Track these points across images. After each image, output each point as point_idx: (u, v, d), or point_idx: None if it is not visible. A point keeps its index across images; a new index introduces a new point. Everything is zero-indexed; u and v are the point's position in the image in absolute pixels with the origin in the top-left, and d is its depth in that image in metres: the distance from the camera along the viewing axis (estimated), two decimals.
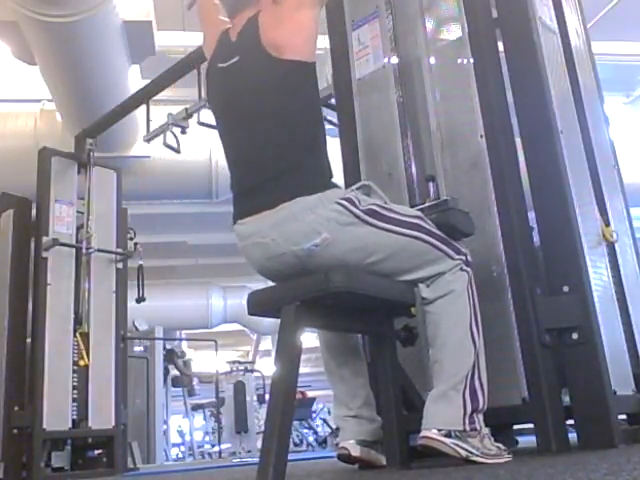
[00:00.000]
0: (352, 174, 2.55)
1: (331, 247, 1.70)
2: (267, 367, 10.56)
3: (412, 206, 2.30)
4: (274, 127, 1.79)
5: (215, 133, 2.02)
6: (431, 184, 2.19)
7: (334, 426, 8.71)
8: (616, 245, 2.28)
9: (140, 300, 4.83)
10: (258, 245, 1.77)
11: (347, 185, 2.54)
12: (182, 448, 12.10)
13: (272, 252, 1.76)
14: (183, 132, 4.30)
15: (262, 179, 1.78)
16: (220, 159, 6.37)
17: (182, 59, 4.12)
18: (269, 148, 1.79)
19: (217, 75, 1.93)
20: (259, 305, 1.85)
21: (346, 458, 1.96)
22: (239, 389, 9.43)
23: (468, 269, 1.87)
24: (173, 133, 4.36)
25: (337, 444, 2.03)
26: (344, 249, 1.72)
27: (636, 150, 7.18)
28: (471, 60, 2.26)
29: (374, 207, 1.78)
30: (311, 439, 10.24)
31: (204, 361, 12.24)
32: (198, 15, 2.16)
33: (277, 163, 1.77)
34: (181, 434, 12.22)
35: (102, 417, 3.92)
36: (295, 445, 9.43)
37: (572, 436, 1.92)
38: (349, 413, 1.99)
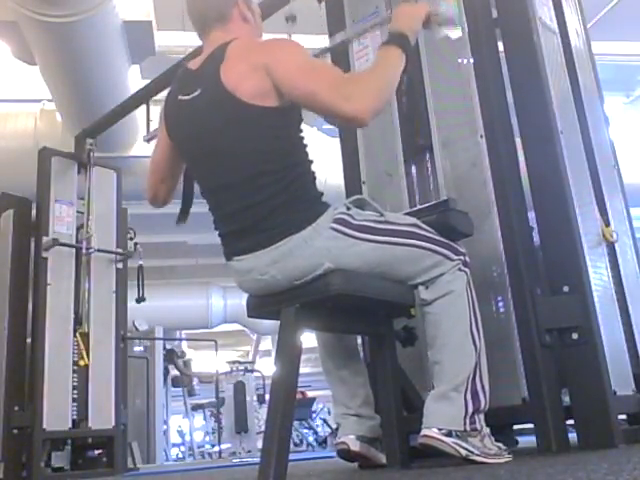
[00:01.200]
0: (352, 174, 2.55)
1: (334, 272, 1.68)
2: (267, 367, 10.57)
3: (412, 206, 2.31)
4: (249, 166, 1.68)
5: None
6: None
7: (334, 426, 8.72)
8: (616, 245, 2.28)
9: (140, 300, 4.82)
10: (258, 281, 1.73)
11: (347, 186, 2.55)
12: (182, 448, 12.10)
13: (273, 288, 1.73)
14: None
15: (248, 223, 1.70)
16: None
17: (182, 59, 4.12)
18: (249, 190, 1.68)
19: (177, 108, 1.81)
20: (259, 307, 1.85)
21: (346, 453, 1.97)
22: (239, 389, 9.44)
23: (466, 269, 1.87)
24: None
25: (337, 444, 2.03)
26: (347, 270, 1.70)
27: (636, 150, 7.18)
28: (471, 60, 2.26)
29: (367, 223, 1.75)
30: (311, 439, 10.25)
31: (204, 361, 12.24)
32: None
33: (260, 205, 1.67)
34: (181, 434, 12.22)
35: (102, 417, 3.92)
36: (295, 445, 9.43)
37: (572, 436, 1.92)
38: (349, 412, 1.99)
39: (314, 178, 1.75)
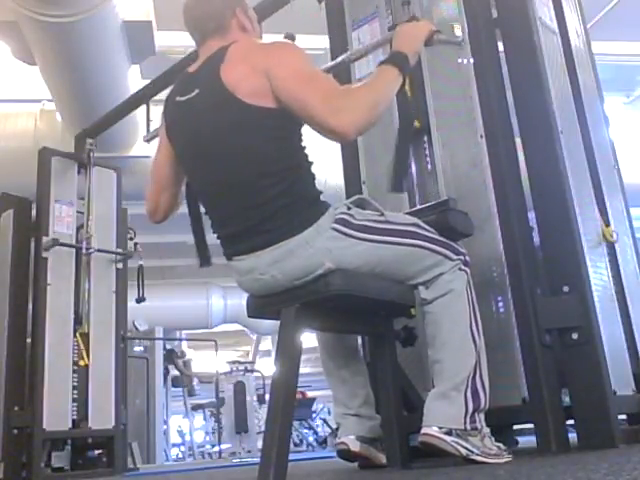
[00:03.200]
0: (352, 175, 2.55)
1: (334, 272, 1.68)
2: (267, 367, 10.56)
3: (412, 206, 2.31)
4: (249, 168, 1.67)
5: None
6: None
7: (334, 426, 8.72)
8: (616, 245, 2.28)
9: (140, 300, 4.82)
10: (258, 281, 1.73)
11: (347, 186, 2.55)
12: (182, 448, 12.10)
13: (273, 288, 1.72)
14: None
15: (249, 224, 1.69)
16: None
17: (182, 59, 4.12)
18: (249, 192, 1.67)
19: (176, 109, 1.81)
20: (259, 307, 1.85)
21: (346, 454, 1.97)
22: (239, 389, 9.43)
23: (466, 269, 1.87)
24: None
25: (337, 444, 2.03)
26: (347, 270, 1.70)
27: (636, 150, 7.18)
28: (471, 60, 2.26)
29: (367, 222, 1.75)
30: (311, 439, 10.25)
31: (204, 361, 12.24)
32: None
33: (261, 207, 1.66)
34: (181, 434, 12.22)
35: (102, 417, 3.92)
36: (295, 445, 9.43)
37: (572, 436, 1.92)
38: (349, 412, 2.00)
39: (314, 179, 1.75)
